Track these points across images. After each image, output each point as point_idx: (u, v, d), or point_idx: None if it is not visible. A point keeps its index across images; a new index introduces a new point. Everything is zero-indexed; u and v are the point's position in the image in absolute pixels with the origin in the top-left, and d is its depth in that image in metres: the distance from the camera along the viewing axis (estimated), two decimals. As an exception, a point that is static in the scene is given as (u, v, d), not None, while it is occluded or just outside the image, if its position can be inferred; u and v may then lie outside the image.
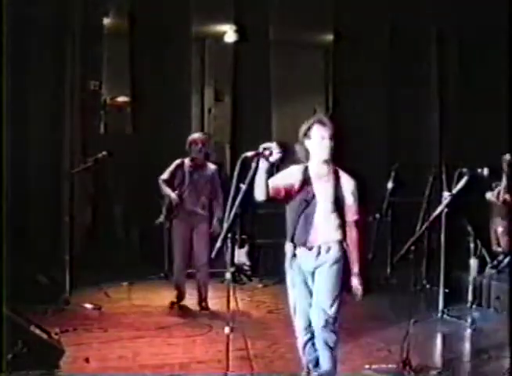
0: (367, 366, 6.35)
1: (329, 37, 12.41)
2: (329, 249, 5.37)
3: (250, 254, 10.51)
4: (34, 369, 5.92)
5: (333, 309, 5.37)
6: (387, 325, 7.55)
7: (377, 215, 10.04)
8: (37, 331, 6.59)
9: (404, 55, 11.96)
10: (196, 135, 8.68)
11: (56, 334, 7.08)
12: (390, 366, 6.25)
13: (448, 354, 6.93)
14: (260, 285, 10.05)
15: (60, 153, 10.82)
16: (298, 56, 12.23)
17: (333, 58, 12.38)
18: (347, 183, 5.42)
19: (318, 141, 5.38)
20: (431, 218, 6.64)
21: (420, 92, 12.08)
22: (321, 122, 5.39)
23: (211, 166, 8.60)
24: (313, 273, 5.44)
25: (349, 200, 5.38)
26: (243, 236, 10.39)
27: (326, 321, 5.36)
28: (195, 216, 8.45)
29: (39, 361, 6.08)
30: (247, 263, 10.48)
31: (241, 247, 10.37)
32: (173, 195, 8.47)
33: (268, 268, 10.44)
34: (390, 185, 9.86)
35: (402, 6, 11.75)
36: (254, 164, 5.04)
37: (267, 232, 10.26)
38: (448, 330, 7.70)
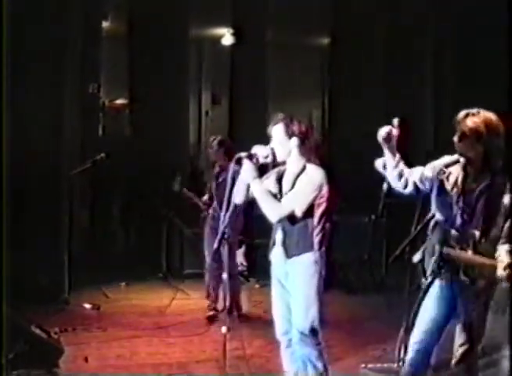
0: (363, 366, 6.41)
1: (326, 39, 12.47)
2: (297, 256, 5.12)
3: (247, 255, 10.56)
4: (33, 368, 5.97)
5: (307, 321, 5.08)
6: (383, 325, 7.60)
7: (373, 216, 10.08)
8: (37, 331, 6.66)
9: (400, 56, 11.99)
10: (210, 139, 8.66)
11: (56, 333, 7.14)
12: (386, 365, 6.30)
13: (443, 353, 6.98)
14: (257, 285, 10.10)
15: (59, 155, 10.86)
16: (295, 58, 12.27)
17: (330, 60, 12.43)
18: (302, 176, 5.11)
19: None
20: (426, 218, 6.66)
21: (417, 93, 12.13)
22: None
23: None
24: (288, 278, 5.22)
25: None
26: (240, 237, 10.42)
27: (301, 335, 5.11)
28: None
29: (39, 360, 6.12)
30: (244, 264, 10.53)
31: (238, 247, 10.41)
32: (200, 203, 8.55)
33: (265, 268, 10.48)
34: (385, 186, 9.85)
35: (398, 7, 11.80)
36: (244, 166, 5.06)
37: (264, 232, 10.30)
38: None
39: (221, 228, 4.96)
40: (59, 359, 6.24)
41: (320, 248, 5.06)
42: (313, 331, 5.10)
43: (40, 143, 10.74)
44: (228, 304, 5.25)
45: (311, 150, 5.15)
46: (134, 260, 10.79)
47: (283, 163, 5.22)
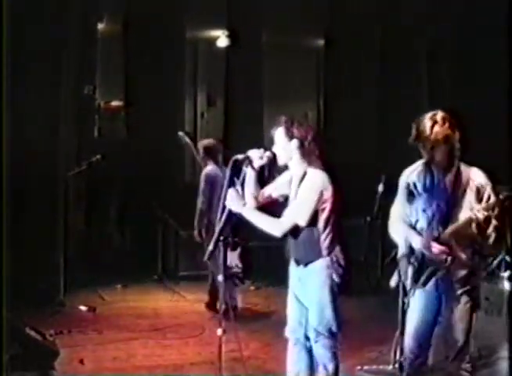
0: (359, 368, 6.42)
1: (321, 41, 12.49)
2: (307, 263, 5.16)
3: (242, 257, 10.53)
4: (29, 370, 5.98)
5: (322, 324, 5.18)
6: (379, 326, 7.60)
7: (368, 218, 10.08)
8: (32, 333, 6.67)
9: (396, 56, 12.00)
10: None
11: (51, 335, 7.17)
12: (381, 367, 6.30)
13: (439, 355, 6.98)
14: (252, 287, 10.11)
15: (55, 157, 10.86)
16: (290, 60, 12.26)
17: (325, 61, 12.45)
18: (303, 183, 5.12)
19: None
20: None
21: (411, 94, 12.12)
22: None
23: (209, 167, 8.62)
24: (300, 283, 5.27)
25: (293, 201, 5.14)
26: (236, 239, 10.40)
27: (317, 337, 5.20)
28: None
29: (34, 363, 6.15)
30: (240, 266, 10.51)
31: (234, 249, 10.38)
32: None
33: (260, 270, 10.49)
34: (381, 188, 9.86)
35: (394, 7, 11.80)
36: (244, 168, 5.09)
37: (260, 234, 10.28)
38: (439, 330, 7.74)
39: (216, 230, 4.97)
40: (54, 361, 6.26)
41: (330, 253, 5.06)
42: (329, 334, 5.18)
43: (36, 145, 10.73)
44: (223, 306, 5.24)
45: (313, 153, 5.12)
46: (130, 262, 10.77)
47: (286, 167, 5.23)
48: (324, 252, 5.06)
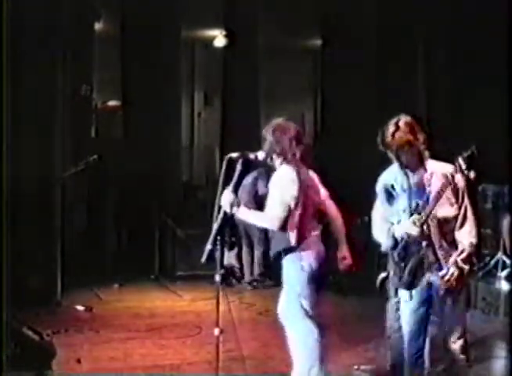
0: (356, 367, 6.42)
1: (318, 40, 12.50)
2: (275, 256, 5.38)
3: (239, 257, 10.54)
4: (26, 370, 5.97)
5: (290, 311, 5.36)
6: (375, 326, 7.60)
7: (365, 218, 10.07)
8: (30, 333, 6.66)
9: (393, 56, 12.00)
10: None
11: (48, 335, 7.16)
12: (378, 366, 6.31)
13: (435, 354, 6.97)
14: (249, 287, 10.10)
15: (52, 157, 10.84)
16: (287, 60, 12.29)
17: (322, 62, 12.46)
18: (271, 178, 5.34)
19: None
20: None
21: (409, 94, 12.12)
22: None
23: None
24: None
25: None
26: (233, 239, 10.38)
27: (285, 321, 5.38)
28: None
29: (31, 362, 6.13)
30: (237, 265, 10.51)
31: (231, 249, 10.36)
32: None
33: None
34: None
35: (389, 7, 11.80)
36: (239, 167, 5.13)
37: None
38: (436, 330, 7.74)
39: (214, 228, 4.99)
40: (51, 361, 6.24)
41: (299, 246, 5.20)
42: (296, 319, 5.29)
43: (32, 145, 10.70)
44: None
45: (289, 152, 5.26)
46: (126, 261, 10.77)
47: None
48: (293, 244, 5.19)
